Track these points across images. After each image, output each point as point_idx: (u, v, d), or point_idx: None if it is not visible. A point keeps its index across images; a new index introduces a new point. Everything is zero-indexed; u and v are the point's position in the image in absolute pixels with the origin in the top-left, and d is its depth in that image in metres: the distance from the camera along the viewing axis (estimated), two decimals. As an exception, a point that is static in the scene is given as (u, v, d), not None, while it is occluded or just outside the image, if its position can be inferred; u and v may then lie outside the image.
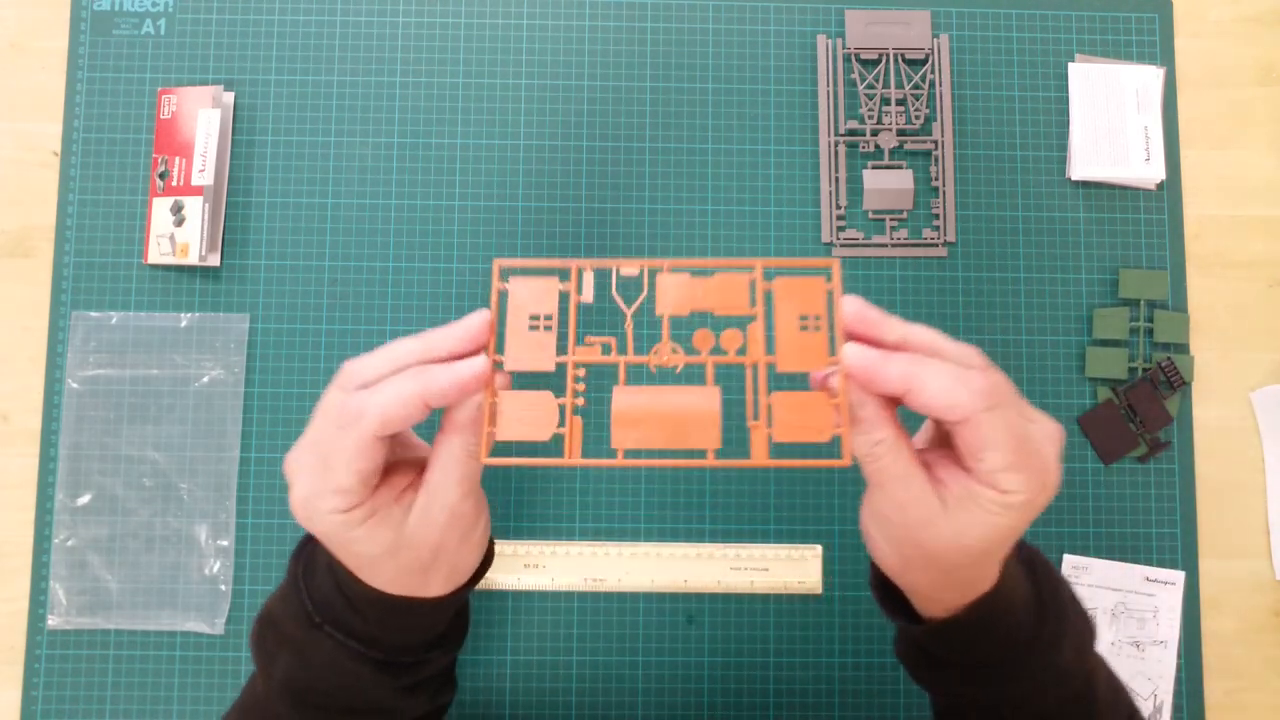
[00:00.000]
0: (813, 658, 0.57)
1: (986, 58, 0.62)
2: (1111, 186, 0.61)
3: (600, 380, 0.36)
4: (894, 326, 0.34)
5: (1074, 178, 0.61)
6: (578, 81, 0.61)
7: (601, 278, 0.35)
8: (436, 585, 0.37)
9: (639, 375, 0.35)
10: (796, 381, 0.35)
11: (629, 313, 0.36)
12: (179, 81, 0.61)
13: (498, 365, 0.35)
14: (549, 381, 0.35)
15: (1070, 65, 0.62)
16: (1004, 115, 0.62)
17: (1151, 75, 0.62)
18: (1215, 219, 0.62)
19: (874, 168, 0.60)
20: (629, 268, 0.35)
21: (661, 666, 0.57)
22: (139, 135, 0.60)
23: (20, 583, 0.57)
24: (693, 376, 0.35)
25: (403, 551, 0.35)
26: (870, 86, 0.61)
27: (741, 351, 0.35)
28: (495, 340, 0.35)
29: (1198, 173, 0.62)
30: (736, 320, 0.35)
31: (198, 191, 0.58)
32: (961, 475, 0.34)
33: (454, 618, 0.41)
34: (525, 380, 0.35)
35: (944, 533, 0.34)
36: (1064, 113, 0.62)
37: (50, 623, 0.56)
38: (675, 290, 0.35)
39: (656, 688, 0.57)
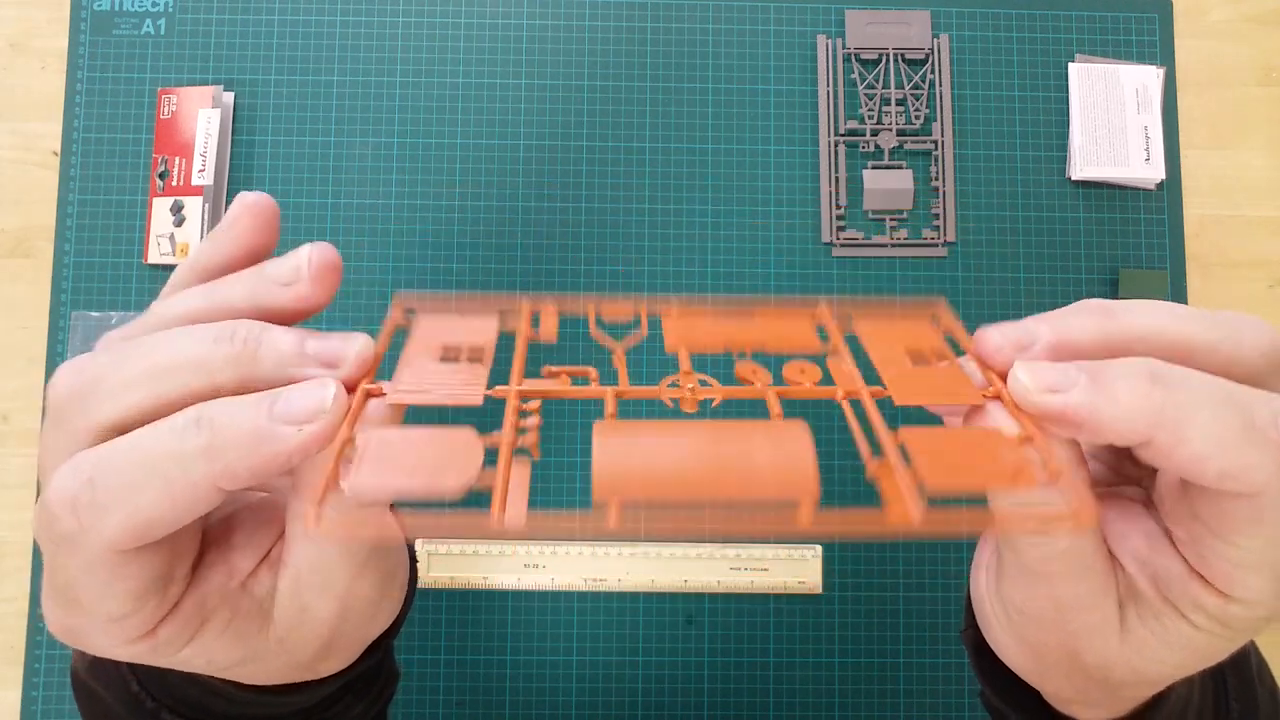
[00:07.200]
0: (813, 658, 0.57)
1: (986, 58, 0.62)
2: (1111, 186, 0.61)
3: (566, 430, 0.23)
4: (1084, 323, 0.20)
5: (1074, 178, 0.61)
6: (578, 81, 0.61)
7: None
8: (331, 666, 0.25)
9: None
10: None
11: (618, 349, 0.23)
12: (179, 81, 0.61)
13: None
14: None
15: (1070, 65, 0.62)
16: (1004, 115, 0.62)
17: (1151, 75, 0.62)
18: (1215, 219, 0.62)
19: (874, 168, 0.60)
20: (616, 308, 0.21)
21: (661, 666, 0.57)
22: (139, 135, 0.60)
23: (20, 583, 0.57)
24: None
25: (267, 659, 0.23)
26: (870, 86, 0.61)
27: (825, 382, 0.21)
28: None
29: (1198, 173, 0.62)
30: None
31: (198, 191, 0.58)
32: (1153, 554, 0.21)
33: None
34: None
35: (1114, 653, 0.22)
36: (1064, 113, 0.62)
37: (50, 623, 0.56)
38: (692, 327, 0.22)
39: (656, 688, 0.56)
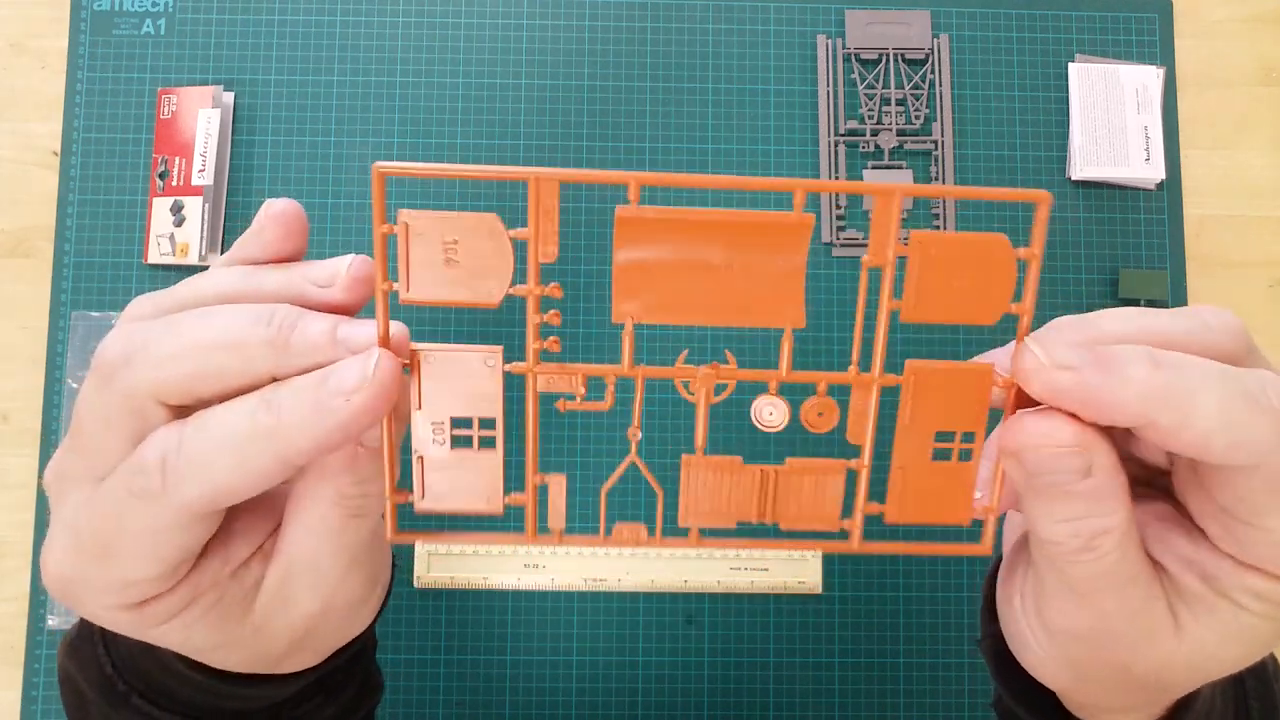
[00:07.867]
0: (813, 658, 0.57)
1: (986, 58, 0.62)
2: (1111, 186, 0.61)
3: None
4: (1065, 337, 0.21)
5: (1074, 178, 0.61)
6: (578, 81, 0.61)
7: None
8: (299, 662, 0.26)
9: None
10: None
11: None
12: (179, 81, 0.61)
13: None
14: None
15: (1070, 65, 0.62)
16: (1004, 115, 0.62)
17: (1151, 75, 0.62)
18: (1215, 219, 0.62)
19: (874, 168, 0.60)
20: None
21: (661, 666, 0.57)
22: (139, 135, 0.60)
23: (20, 583, 0.57)
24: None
25: (242, 648, 0.24)
26: (870, 86, 0.61)
27: (843, 423, 0.21)
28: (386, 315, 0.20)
29: (1198, 173, 0.62)
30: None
31: (198, 191, 0.58)
32: (1196, 551, 0.22)
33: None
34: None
35: (1172, 657, 0.22)
36: (1064, 113, 0.62)
37: (50, 623, 0.56)
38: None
39: (656, 688, 0.57)
